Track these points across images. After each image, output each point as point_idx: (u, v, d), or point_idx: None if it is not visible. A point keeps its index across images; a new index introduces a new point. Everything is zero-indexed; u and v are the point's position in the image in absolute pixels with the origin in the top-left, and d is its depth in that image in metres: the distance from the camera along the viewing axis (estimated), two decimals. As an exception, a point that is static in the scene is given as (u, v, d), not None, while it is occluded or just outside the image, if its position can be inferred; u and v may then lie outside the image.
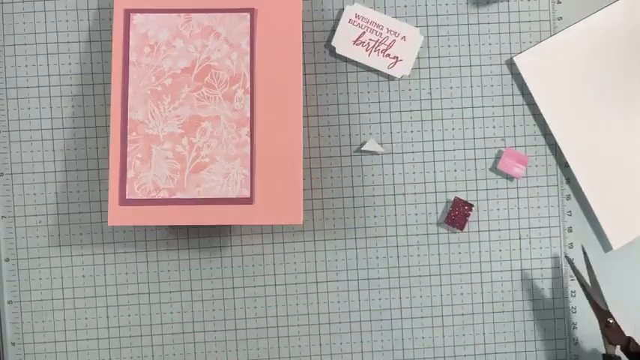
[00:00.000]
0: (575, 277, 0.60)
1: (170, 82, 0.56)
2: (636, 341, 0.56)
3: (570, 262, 0.59)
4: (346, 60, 0.60)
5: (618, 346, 0.56)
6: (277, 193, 0.56)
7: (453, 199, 0.60)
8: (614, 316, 0.56)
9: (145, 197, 0.55)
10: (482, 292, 0.60)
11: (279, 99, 0.56)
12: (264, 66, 0.57)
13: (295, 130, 0.56)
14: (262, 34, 0.57)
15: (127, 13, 0.57)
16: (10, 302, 0.59)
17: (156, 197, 0.55)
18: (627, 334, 0.58)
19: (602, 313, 0.57)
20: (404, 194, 0.60)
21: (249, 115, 0.56)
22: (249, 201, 0.56)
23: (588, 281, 0.58)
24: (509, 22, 0.60)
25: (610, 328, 0.57)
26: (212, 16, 0.57)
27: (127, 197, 0.55)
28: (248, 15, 0.57)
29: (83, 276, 0.59)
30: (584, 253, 0.59)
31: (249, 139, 0.56)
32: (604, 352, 0.56)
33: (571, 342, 0.60)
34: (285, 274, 0.60)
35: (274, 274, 0.60)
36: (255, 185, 0.56)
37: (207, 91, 0.57)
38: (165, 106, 0.56)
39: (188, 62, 0.57)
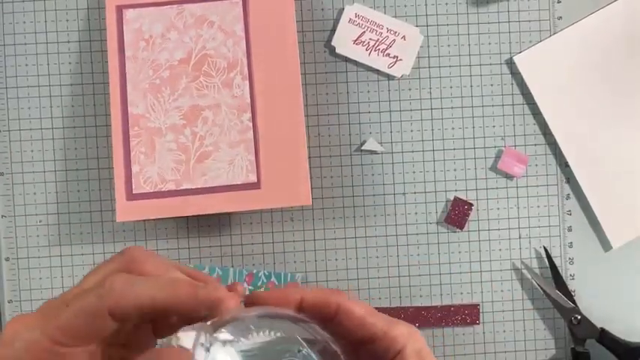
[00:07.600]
0: (574, 278, 0.60)
1: (168, 74, 0.56)
2: (608, 332, 0.57)
3: (527, 266, 0.60)
4: (346, 60, 0.60)
5: (592, 340, 0.58)
6: (284, 176, 0.55)
7: (452, 198, 0.60)
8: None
9: (152, 190, 0.55)
10: (482, 292, 0.60)
11: (278, 82, 0.56)
12: (261, 50, 0.56)
13: (296, 111, 0.56)
14: (256, 19, 0.57)
15: (120, 9, 0.57)
16: (10, 302, 0.59)
17: (163, 189, 0.55)
18: (628, 334, 0.58)
19: (567, 311, 0.58)
20: (404, 194, 0.60)
21: (249, 100, 0.56)
22: (256, 186, 0.56)
23: (553, 281, 0.59)
24: (509, 22, 0.60)
25: (577, 325, 0.58)
26: (204, 6, 0.57)
27: (133, 192, 0.55)
28: (240, 1, 0.57)
29: (83, 275, 0.59)
30: (547, 254, 0.60)
31: (251, 125, 0.56)
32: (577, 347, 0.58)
33: (571, 342, 0.60)
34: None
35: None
36: (261, 170, 0.56)
37: (206, 80, 0.56)
38: (165, 98, 0.56)
39: (184, 53, 0.56)
